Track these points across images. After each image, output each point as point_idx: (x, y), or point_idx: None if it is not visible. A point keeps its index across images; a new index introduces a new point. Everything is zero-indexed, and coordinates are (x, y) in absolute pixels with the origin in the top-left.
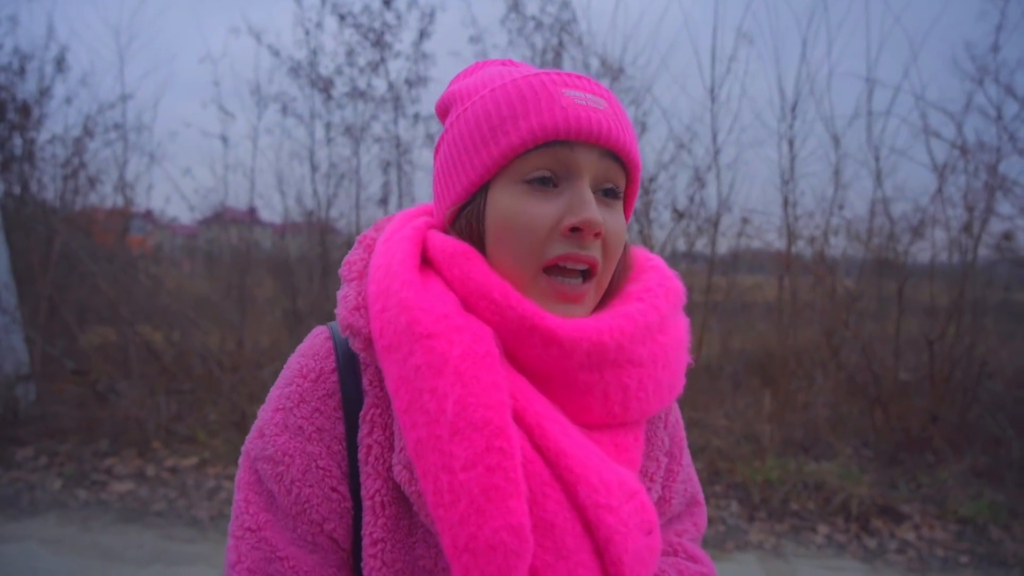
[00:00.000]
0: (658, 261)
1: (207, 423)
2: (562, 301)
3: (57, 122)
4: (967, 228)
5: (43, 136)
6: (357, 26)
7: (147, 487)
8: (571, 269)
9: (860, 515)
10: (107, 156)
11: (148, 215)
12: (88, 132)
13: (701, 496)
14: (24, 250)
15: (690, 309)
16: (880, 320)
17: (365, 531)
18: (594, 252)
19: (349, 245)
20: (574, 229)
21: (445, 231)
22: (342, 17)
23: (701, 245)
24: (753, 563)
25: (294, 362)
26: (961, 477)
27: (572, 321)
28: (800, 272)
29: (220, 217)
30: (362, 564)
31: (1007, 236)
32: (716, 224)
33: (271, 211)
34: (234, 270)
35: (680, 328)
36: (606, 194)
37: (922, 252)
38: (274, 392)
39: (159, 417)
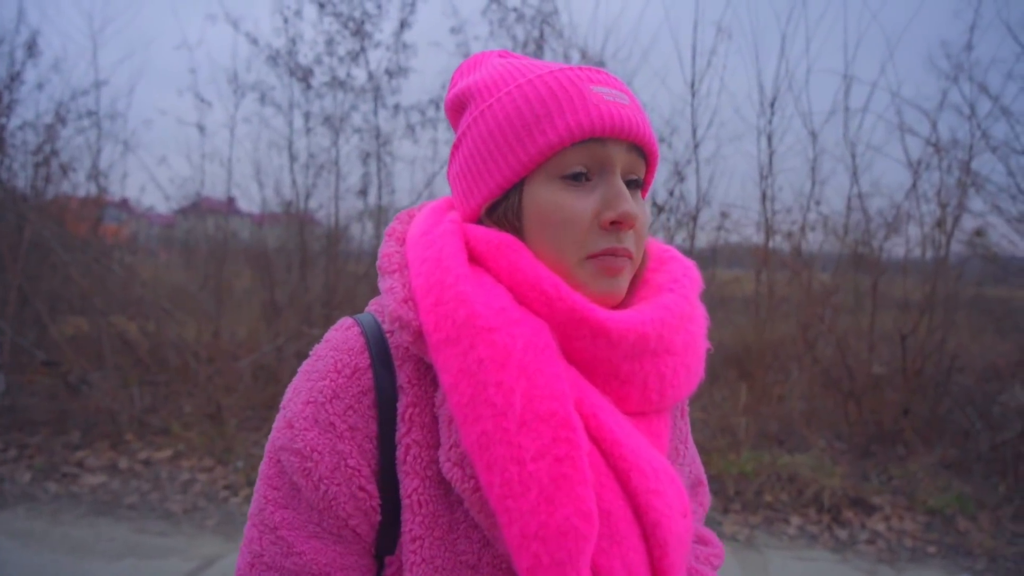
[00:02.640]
0: (675, 251)
1: (181, 415)
2: (607, 275)
3: (28, 108)
4: (940, 224)
5: (13, 122)
6: (337, 15)
7: (119, 480)
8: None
9: (832, 507)
10: (80, 144)
11: (124, 204)
12: (60, 119)
13: (704, 476)
14: None
15: None
16: (855, 315)
17: (404, 528)
18: (628, 243)
19: (328, 236)
20: (613, 223)
21: (480, 221)
22: (322, 5)
23: (680, 239)
24: (727, 554)
25: (326, 355)
26: (930, 469)
27: (618, 313)
28: (777, 267)
29: (197, 207)
30: (403, 560)
31: (978, 232)
32: (695, 218)
33: (249, 201)
34: (211, 261)
35: (702, 316)
36: (630, 184)
37: (897, 248)
38: (304, 384)
39: (132, 409)
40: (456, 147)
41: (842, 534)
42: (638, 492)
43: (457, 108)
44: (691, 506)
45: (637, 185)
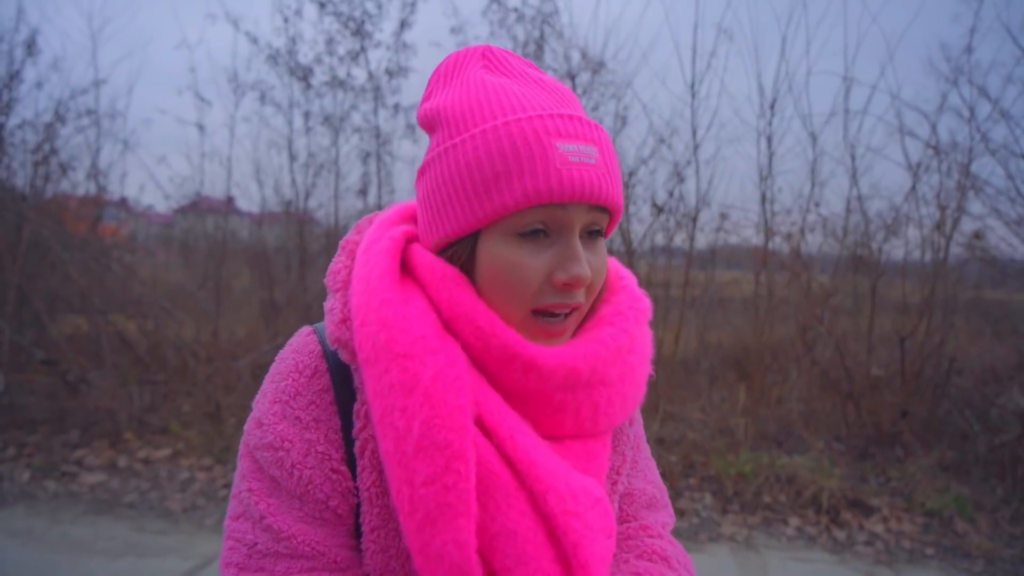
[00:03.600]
0: (630, 280)
1: (181, 414)
2: (547, 337)
3: (27, 107)
4: (939, 227)
5: (12, 121)
6: (337, 14)
7: (119, 478)
8: (558, 313)
9: (830, 508)
10: (79, 142)
11: (123, 203)
12: (60, 118)
13: (665, 494)
14: None
15: (668, 304)
16: (854, 317)
17: (364, 519)
18: (579, 298)
19: (327, 236)
20: (565, 284)
21: (432, 251)
22: (322, 5)
23: (680, 240)
24: (725, 555)
25: (288, 357)
26: (929, 471)
27: (550, 349)
28: (776, 268)
29: (196, 206)
30: (362, 546)
31: (977, 235)
32: (695, 219)
33: (248, 201)
34: (210, 260)
35: (646, 344)
36: (591, 235)
37: (896, 250)
38: (269, 386)
39: (131, 408)
40: (422, 172)
41: (840, 535)
42: (555, 514)
43: (428, 126)
44: (653, 519)
45: (600, 234)
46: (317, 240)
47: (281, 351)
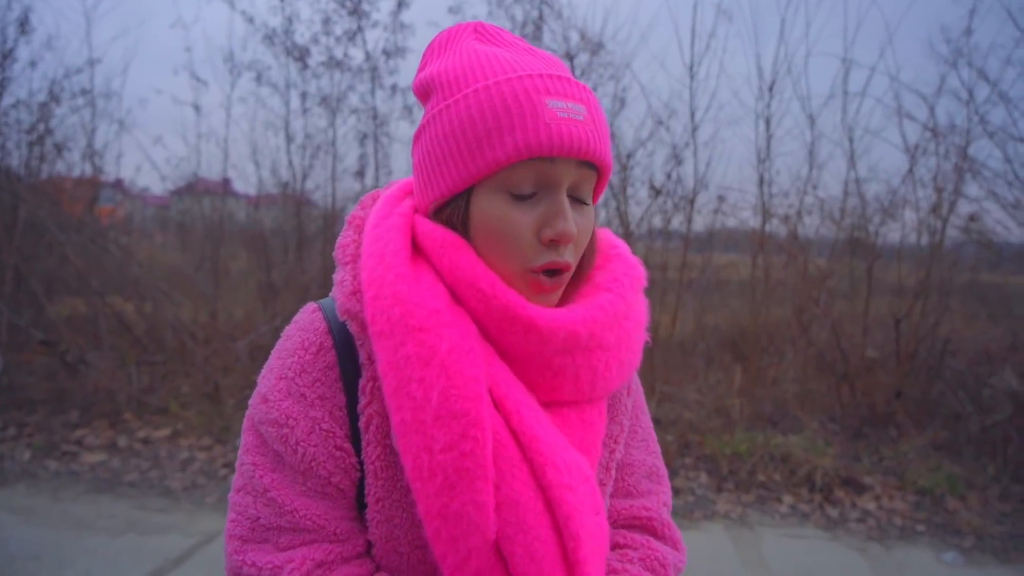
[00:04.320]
0: (623, 248)
1: (180, 395)
2: (538, 294)
3: (21, 86)
4: (936, 209)
5: (6, 101)
6: None
7: (119, 458)
8: (549, 271)
9: (824, 486)
10: (74, 123)
11: (118, 184)
12: (54, 97)
13: (662, 468)
14: None
15: (666, 286)
16: (852, 299)
17: (368, 491)
18: (567, 256)
19: (325, 218)
20: (552, 240)
21: (429, 216)
22: None
23: (677, 223)
24: (719, 532)
25: (293, 334)
26: (921, 450)
27: (551, 311)
28: (773, 251)
29: (193, 188)
30: (366, 519)
31: (972, 218)
32: (692, 202)
33: (245, 182)
34: (207, 242)
35: (641, 311)
36: (579, 199)
37: (893, 232)
38: (275, 362)
39: (130, 388)
40: (417, 136)
41: (833, 513)
42: (552, 486)
43: (422, 93)
44: (651, 499)
45: (588, 196)
46: (314, 222)
47: (287, 327)
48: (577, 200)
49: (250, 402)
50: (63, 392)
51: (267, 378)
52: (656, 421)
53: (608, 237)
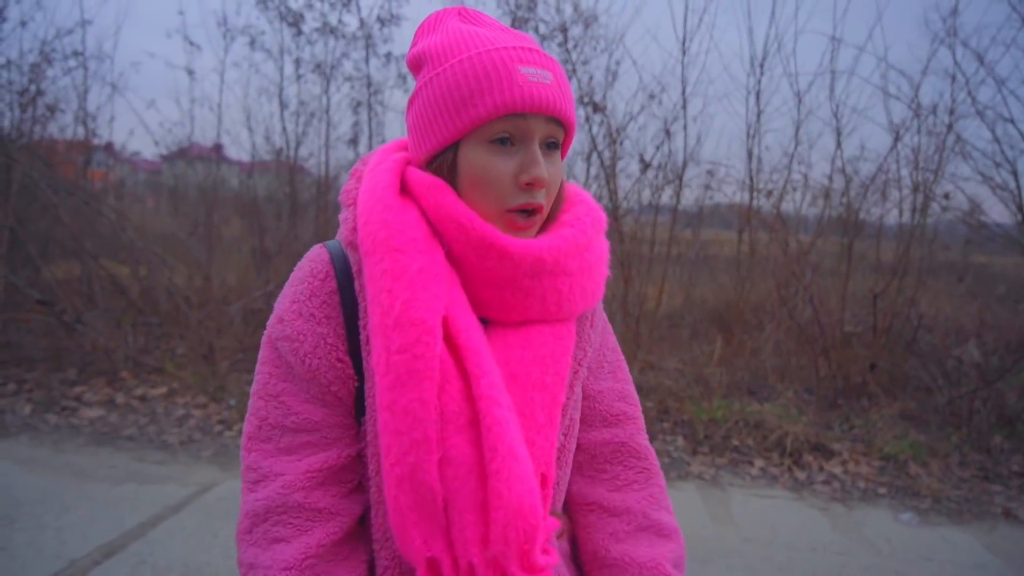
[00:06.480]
0: (586, 196)
1: (175, 355)
2: (516, 230)
3: (12, 47)
4: (916, 188)
5: None
6: None
7: (117, 414)
8: (525, 211)
9: (794, 451)
10: (66, 84)
11: (109, 148)
12: (46, 58)
13: (632, 394)
14: None
15: (654, 260)
16: (835, 276)
17: (366, 393)
18: (540, 198)
19: (318, 185)
20: (528, 184)
21: (421, 167)
22: None
23: (667, 197)
24: (692, 491)
25: (304, 266)
26: (890, 420)
27: (520, 240)
28: (760, 226)
29: (185, 153)
30: (364, 420)
31: (947, 196)
32: (681, 176)
33: (239, 148)
34: (200, 208)
35: (602, 247)
36: (549, 147)
37: (876, 208)
38: (288, 289)
39: (127, 348)
40: (411, 101)
41: (801, 476)
42: (481, 397)
43: (415, 66)
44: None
45: (556, 147)
46: (308, 189)
47: (299, 263)
48: (547, 148)
49: (267, 323)
50: (61, 351)
51: (282, 303)
52: (637, 387)
53: (574, 187)
